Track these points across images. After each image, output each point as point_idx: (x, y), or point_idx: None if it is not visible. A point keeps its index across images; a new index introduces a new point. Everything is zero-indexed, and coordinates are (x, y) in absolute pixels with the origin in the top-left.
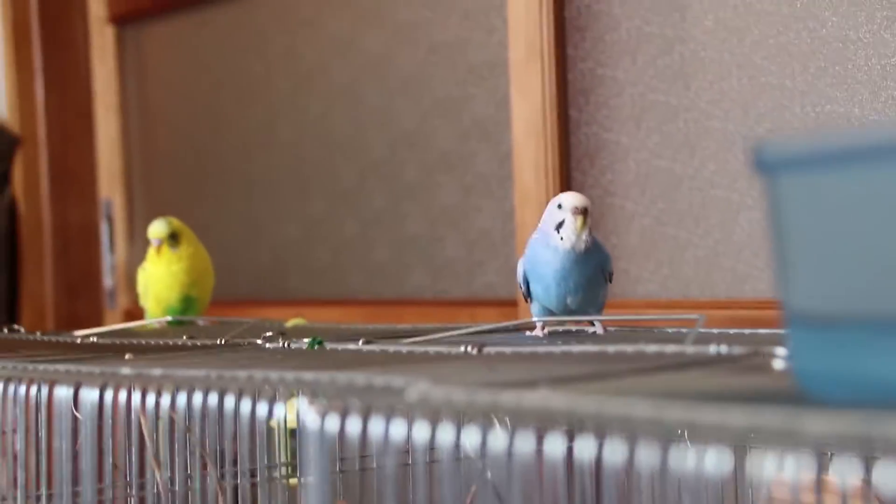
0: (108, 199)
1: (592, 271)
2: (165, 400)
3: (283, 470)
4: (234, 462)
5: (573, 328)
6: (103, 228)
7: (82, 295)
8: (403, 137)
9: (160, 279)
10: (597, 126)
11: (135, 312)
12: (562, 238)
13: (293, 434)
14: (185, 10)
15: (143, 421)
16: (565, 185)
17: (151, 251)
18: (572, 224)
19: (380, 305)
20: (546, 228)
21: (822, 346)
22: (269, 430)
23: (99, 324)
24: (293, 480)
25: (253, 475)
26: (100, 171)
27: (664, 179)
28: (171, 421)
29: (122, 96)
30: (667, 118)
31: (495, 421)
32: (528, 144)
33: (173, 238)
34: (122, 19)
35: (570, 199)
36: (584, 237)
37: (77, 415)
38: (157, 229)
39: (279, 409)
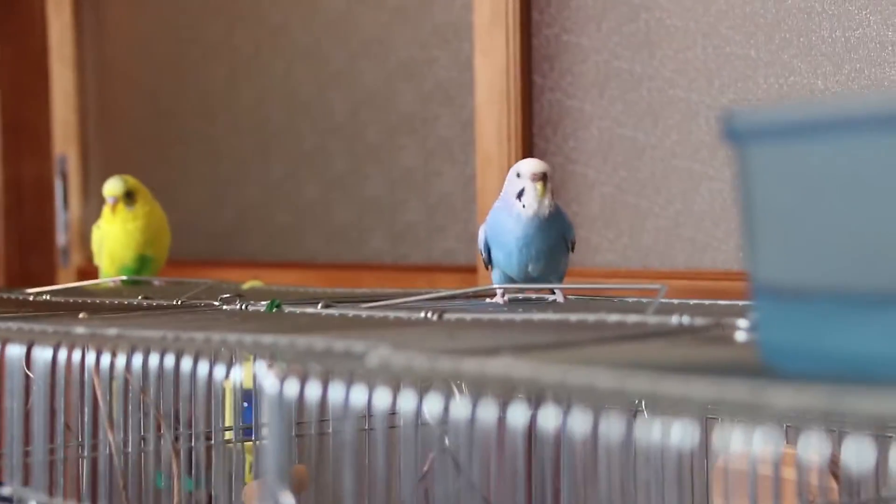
0: (62, 155)
1: (554, 239)
2: (120, 361)
3: (239, 433)
4: (189, 424)
5: (534, 296)
6: (57, 185)
7: (35, 252)
8: (366, 99)
9: (115, 238)
10: (560, 93)
11: (89, 271)
12: (524, 206)
13: (248, 397)
14: None
15: (96, 381)
16: (527, 151)
17: (106, 209)
18: (533, 191)
19: (338, 269)
20: (507, 197)
21: (787, 319)
22: (223, 391)
23: (52, 282)
24: (248, 444)
25: (208, 438)
26: (54, 125)
27: (626, 148)
28: (126, 382)
29: (79, 50)
30: (630, 86)
31: (455, 389)
32: (491, 109)
33: (129, 196)
34: None
35: (529, 165)
36: (546, 203)
37: (29, 374)
38: (112, 187)
39: (235, 372)
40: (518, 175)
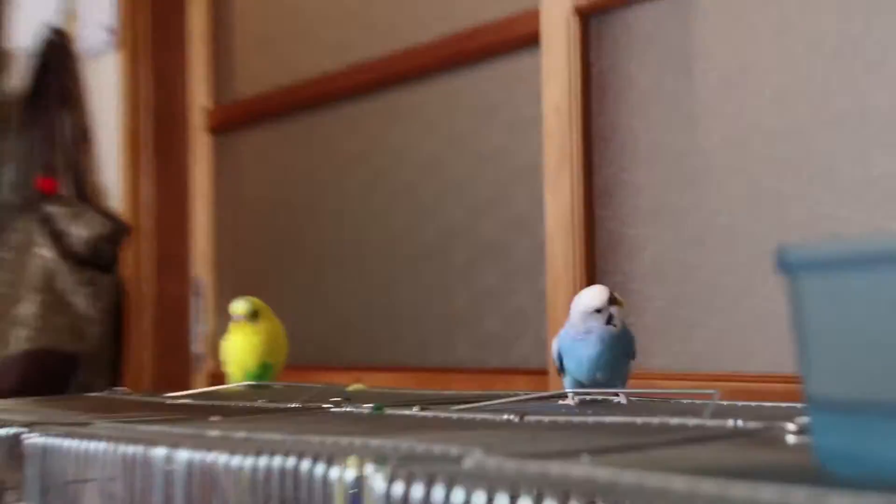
0: (199, 278)
1: (620, 352)
2: (248, 462)
3: None
4: None
5: (600, 398)
6: (194, 303)
7: (175, 359)
8: (454, 230)
9: (241, 348)
10: (618, 222)
11: (218, 375)
12: (613, 325)
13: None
14: (271, 121)
15: (225, 482)
16: (591, 272)
17: (234, 324)
18: (601, 321)
19: (428, 372)
20: (575, 323)
21: (840, 428)
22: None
23: (188, 384)
24: None
25: None
26: (194, 253)
27: (677, 269)
28: (254, 485)
29: (216, 192)
30: (679, 217)
31: (541, 492)
32: (559, 237)
33: (253, 315)
34: (217, 129)
35: (594, 297)
36: (613, 326)
37: (170, 469)
38: (239, 307)
39: (348, 474)
40: (586, 309)
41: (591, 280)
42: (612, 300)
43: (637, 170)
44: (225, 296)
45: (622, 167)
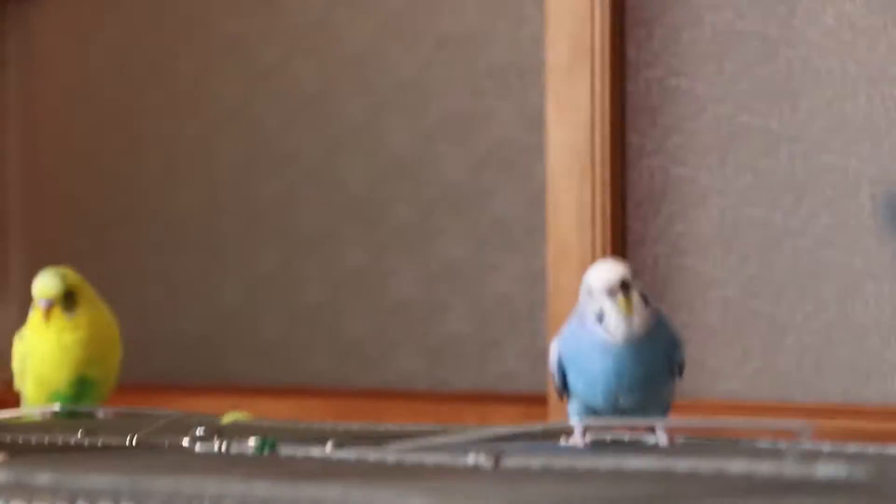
0: None
1: (655, 362)
2: None
3: None
4: None
5: (626, 437)
6: None
7: None
8: (394, 166)
9: (47, 354)
10: (665, 158)
11: (5, 399)
12: (608, 332)
13: None
14: None
15: None
16: (618, 238)
17: (36, 315)
18: (615, 312)
19: (353, 398)
20: (584, 315)
21: None
22: None
23: None
24: None
25: None
26: None
27: (757, 236)
28: None
29: None
30: (764, 150)
31: None
32: (569, 180)
33: (68, 298)
34: None
35: (600, 276)
36: (637, 320)
37: None
38: (46, 286)
39: None
40: (589, 292)
41: (617, 252)
42: (621, 287)
43: (697, 72)
44: (15, 272)
45: (672, 69)
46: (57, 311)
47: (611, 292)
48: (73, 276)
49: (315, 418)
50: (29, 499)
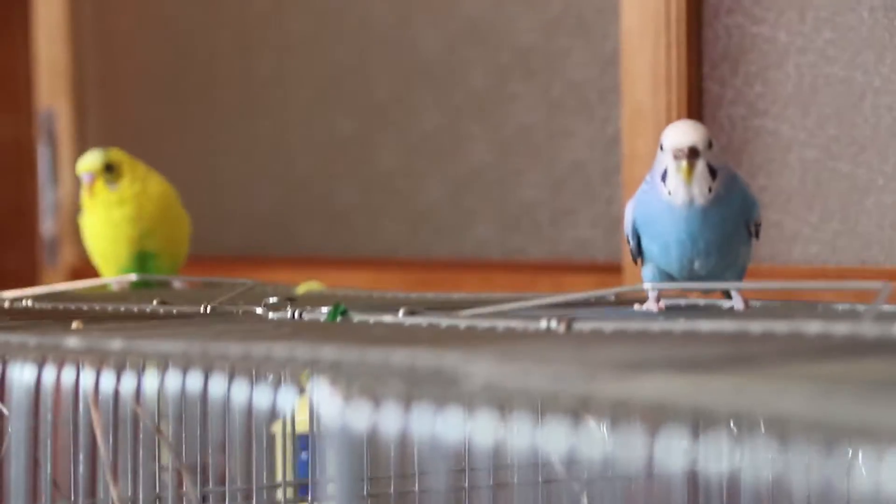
0: (49, 110)
1: (730, 225)
2: (128, 384)
3: (290, 492)
4: (222, 479)
5: (701, 301)
6: (41, 151)
7: (12, 243)
8: (465, 31)
9: (99, 231)
10: (743, 15)
11: (85, 270)
12: (669, 192)
13: (305, 442)
14: None
15: (94, 415)
16: (694, 100)
17: (83, 191)
18: (676, 173)
19: (427, 268)
20: (654, 174)
21: None
22: (272, 435)
23: (35, 283)
24: None
25: (248, 497)
26: (38, 70)
27: (838, 94)
28: (136, 416)
29: None
30: (847, 3)
31: (591, 421)
32: (643, 41)
33: (111, 171)
34: None
35: (672, 136)
36: (697, 188)
37: (1, 409)
38: (86, 161)
39: (287, 401)
40: (661, 147)
41: (694, 114)
42: (690, 153)
43: None
44: (93, 140)
45: None
46: (100, 185)
47: (676, 155)
48: (116, 153)
49: (389, 289)
50: (100, 364)
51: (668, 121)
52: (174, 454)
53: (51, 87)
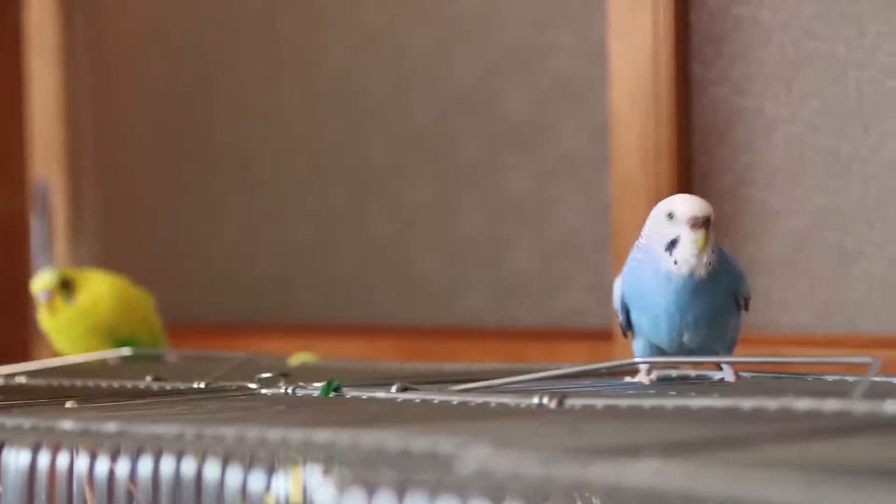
0: (42, 182)
1: (720, 299)
2: (123, 467)
3: None
4: None
5: (692, 373)
6: (35, 223)
7: (5, 315)
8: (458, 100)
9: (68, 343)
10: (730, 87)
11: None
12: (675, 262)
13: None
14: None
15: (89, 496)
16: (683, 170)
17: (42, 310)
18: (691, 243)
19: (421, 336)
20: (651, 245)
21: None
22: None
23: (27, 357)
24: None
25: None
26: (32, 142)
27: (825, 164)
28: (130, 496)
29: (66, 37)
30: (831, 77)
31: None
32: (633, 113)
33: (65, 287)
34: None
35: (686, 206)
36: (706, 259)
37: None
38: (43, 280)
39: (280, 484)
40: (670, 216)
41: (683, 185)
42: (704, 223)
43: (761, 0)
44: (88, 212)
45: None
46: (59, 301)
47: (694, 224)
48: (68, 270)
49: (384, 357)
50: (95, 448)
51: (658, 190)
52: None
53: (45, 159)
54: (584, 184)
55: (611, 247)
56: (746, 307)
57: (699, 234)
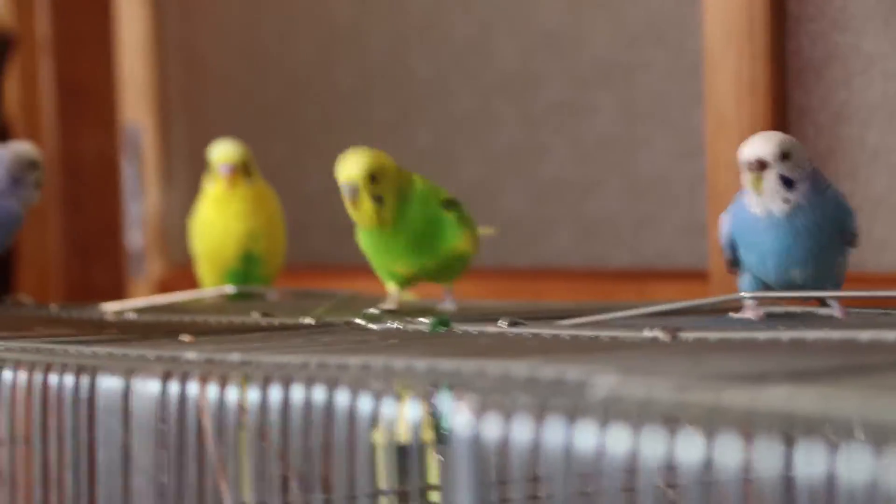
0: (134, 126)
1: (824, 235)
2: (253, 396)
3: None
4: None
5: (798, 309)
6: (127, 165)
7: (98, 257)
8: (543, 41)
9: (219, 226)
10: (827, 23)
11: (170, 283)
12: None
13: (402, 453)
14: None
15: (205, 423)
16: (779, 108)
17: (215, 185)
18: (748, 185)
19: (509, 276)
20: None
21: None
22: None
23: (120, 296)
24: None
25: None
26: (123, 85)
27: None
28: (259, 425)
29: None
30: None
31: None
32: (726, 51)
33: (244, 170)
34: None
35: (744, 149)
36: (768, 200)
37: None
38: (228, 151)
39: (410, 410)
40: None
41: (779, 122)
42: (758, 166)
43: None
44: (178, 155)
45: None
46: (239, 178)
47: (749, 168)
48: (244, 149)
49: (469, 297)
50: (223, 378)
51: (753, 129)
52: (284, 462)
53: (135, 102)
54: (674, 125)
55: (704, 187)
56: (854, 244)
57: (751, 177)
